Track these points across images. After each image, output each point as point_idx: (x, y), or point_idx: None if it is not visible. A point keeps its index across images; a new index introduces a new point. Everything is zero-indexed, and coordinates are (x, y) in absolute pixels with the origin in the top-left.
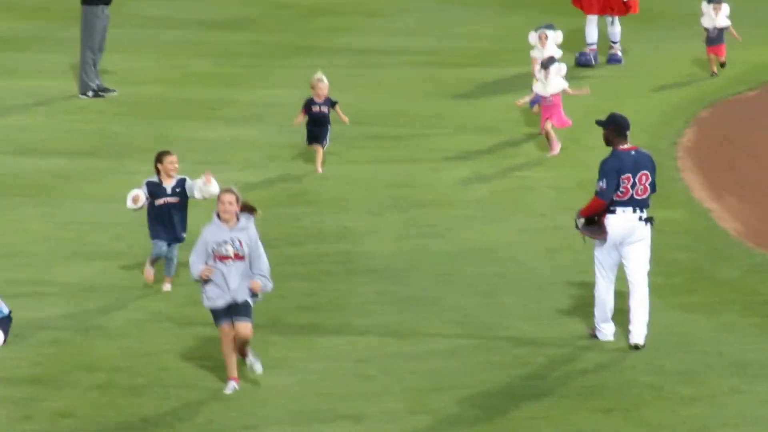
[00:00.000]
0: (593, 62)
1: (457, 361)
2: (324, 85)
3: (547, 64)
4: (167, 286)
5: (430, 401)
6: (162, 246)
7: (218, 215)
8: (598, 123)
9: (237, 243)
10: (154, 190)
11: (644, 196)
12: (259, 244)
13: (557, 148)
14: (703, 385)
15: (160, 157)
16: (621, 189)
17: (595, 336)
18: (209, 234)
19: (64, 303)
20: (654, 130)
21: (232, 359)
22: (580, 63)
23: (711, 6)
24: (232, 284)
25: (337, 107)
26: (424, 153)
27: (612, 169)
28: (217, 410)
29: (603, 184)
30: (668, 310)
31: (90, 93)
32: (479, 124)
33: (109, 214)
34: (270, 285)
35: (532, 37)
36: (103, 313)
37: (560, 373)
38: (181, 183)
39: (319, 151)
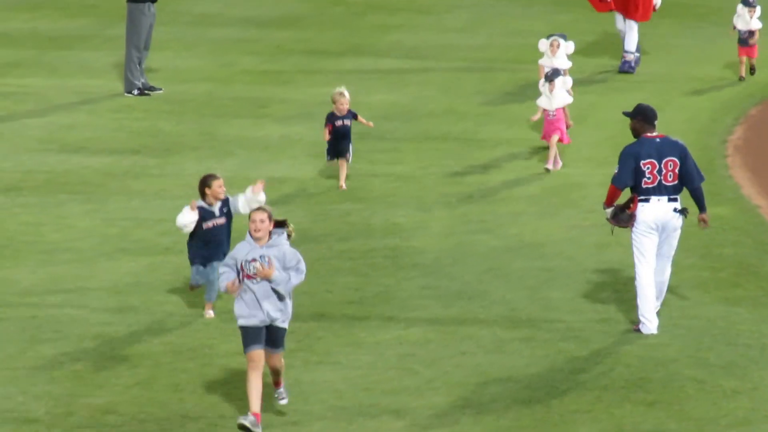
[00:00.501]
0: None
1: (501, 355)
2: (345, 100)
3: (551, 76)
4: (210, 313)
5: (474, 395)
6: (198, 275)
7: (250, 234)
8: (625, 114)
9: (266, 261)
10: (204, 214)
11: (674, 183)
12: (297, 257)
13: (559, 164)
14: (745, 378)
15: (207, 181)
16: (647, 175)
17: (638, 330)
18: (240, 251)
19: (108, 299)
20: (703, 127)
21: (258, 391)
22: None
23: (746, 9)
24: (264, 304)
25: (360, 117)
26: (473, 150)
27: (628, 155)
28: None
29: (617, 169)
30: (713, 303)
31: (135, 91)
32: (529, 121)
33: (154, 210)
34: (291, 283)
35: (543, 44)
36: (146, 309)
37: (604, 367)
38: (226, 203)
39: (344, 165)
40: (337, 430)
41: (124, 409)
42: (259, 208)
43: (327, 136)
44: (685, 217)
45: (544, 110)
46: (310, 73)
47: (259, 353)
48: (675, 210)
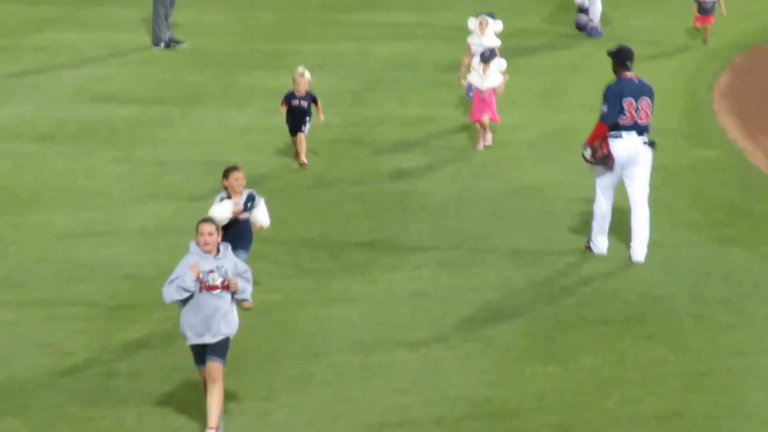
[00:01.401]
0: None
1: (507, 292)
2: (305, 80)
3: (488, 58)
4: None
5: (483, 330)
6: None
7: (198, 246)
8: (608, 53)
9: (224, 272)
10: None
11: (646, 122)
12: (245, 267)
13: (489, 140)
14: (740, 313)
15: (226, 173)
16: (625, 113)
17: (590, 248)
18: (193, 262)
19: (138, 241)
20: (691, 75)
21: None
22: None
23: None
24: (215, 321)
25: (319, 104)
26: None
27: (614, 94)
28: (281, 339)
29: (605, 107)
30: (706, 243)
31: (162, 45)
32: (528, 70)
33: (179, 157)
34: (250, 289)
35: (472, 22)
36: (173, 251)
37: (605, 302)
38: (252, 199)
39: (302, 140)
40: (355, 363)
41: (156, 343)
42: (206, 220)
43: (282, 111)
44: (653, 149)
45: (476, 89)
46: (324, 27)
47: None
48: (644, 143)
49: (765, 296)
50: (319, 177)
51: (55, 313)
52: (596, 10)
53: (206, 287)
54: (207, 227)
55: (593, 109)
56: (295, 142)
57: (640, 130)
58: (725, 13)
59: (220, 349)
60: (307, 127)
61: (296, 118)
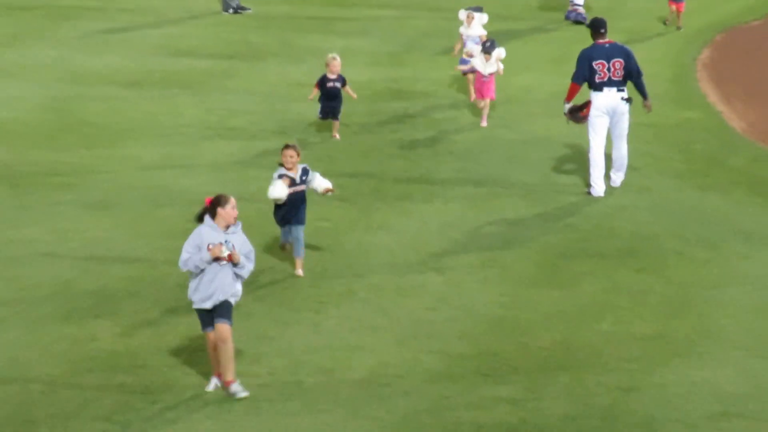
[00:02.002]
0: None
1: (521, 226)
2: (337, 63)
3: (489, 48)
4: (299, 271)
5: (499, 257)
6: (284, 235)
7: (212, 218)
8: (586, 25)
9: (231, 246)
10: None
11: (620, 78)
12: (250, 247)
13: (486, 121)
14: (716, 250)
15: (282, 150)
16: (599, 72)
17: (590, 192)
18: (207, 236)
19: (210, 173)
20: (679, 50)
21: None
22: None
23: None
24: (219, 288)
25: (348, 86)
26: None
27: (583, 57)
28: (330, 261)
29: (575, 69)
30: (688, 190)
31: (230, 10)
32: (540, 40)
33: (244, 103)
34: (250, 267)
35: (462, 14)
36: (238, 182)
37: (602, 238)
38: (306, 172)
39: (335, 123)
40: (391, 282)
41: None
42: (231, 197)
43: (313, 94)
44: (630, 103)
45: (478, 72)
46: None
47: (212, 333)
48: (622, 98)
49: (738, 236)
50: (363, 124)
51: (141, 231)
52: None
53: (215, 258)
54: (233, 202)
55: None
56: (334, 126)
57: (616, 84)
58: None
59: (225, 311)
60: (340, 114)
61: (331, 99)
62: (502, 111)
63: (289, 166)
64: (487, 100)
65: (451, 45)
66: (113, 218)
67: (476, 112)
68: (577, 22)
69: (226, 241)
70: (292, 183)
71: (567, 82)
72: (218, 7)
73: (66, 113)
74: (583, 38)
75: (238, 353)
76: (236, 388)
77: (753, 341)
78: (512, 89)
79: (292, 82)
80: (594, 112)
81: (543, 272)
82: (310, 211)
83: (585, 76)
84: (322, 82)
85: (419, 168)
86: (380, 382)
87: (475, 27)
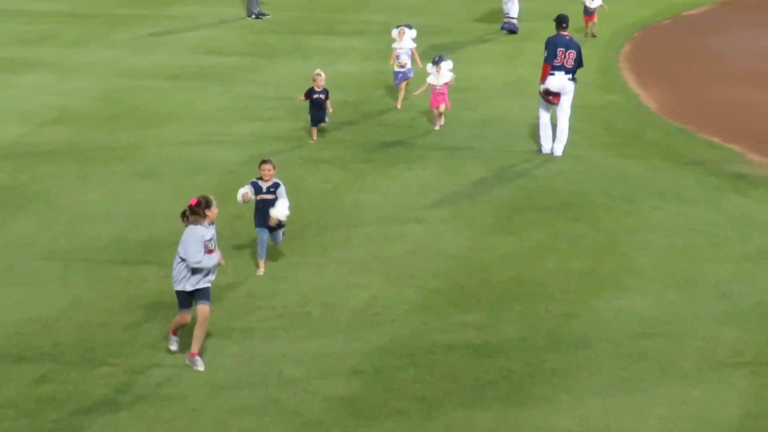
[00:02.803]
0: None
1: (482, 186)
2: (321, 78)
3: (438, 61)
4: (260, 271)
5: (465, 210)
6: (263, 233)
7: (202, 217)
8: (554, 19)
9: (216, 239)
10: (255, 188)
11: (571, 66)
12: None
13: (443, 120)
14: (636, 204)
15: (260, 165)
16: (557, 57)
17: (540, 151)
18: (202, 231)
19: (236, 148)
20: (605, 44)
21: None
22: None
23: None
24: (197, 276)
25: (329, 101)
26: (463, 55)
27: (550, 44)
28: (331, 215)
29: (545, 53)
30: (612, 158)
31: (252, 16)
32: (495, 39)
33: (264, 92)
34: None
35: (394, 32)
36: (258, 155)
37: (546, 194)
38: (276, 186)
39: (316, 130)
40: (380, 232)
41: (249, 216)
42: (213, 198)
43: (301, 98)
44: (576, 83)
45: (432, 85)
46: (363, 4)
47: (187, 314)
48: (569, 79)
49: (653, 193)
50: (356, 107)
51: (181, 194)
52: (515, 9)
53: (208, 251)
54: (216, 201)
55: (540, 65)
56: (313, 131)
57: (567, 71)
58: (606, 8)
59: (206, 294)
60: (326, 121)
61: (317, 108)
62: (465, 96)
63: (267, 178)
64: (442, 107)
65: (428, 43)
66: (158, 184)
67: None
68: (511, 32)
69: (213, 235)
70: (259, 191)
71: (518, 72)
72: (243, 13)
73: (119, 101)
74: (530, 35)
75: (257, 291)
76: (198, 361)
77: (666, 276)
78: (473, 79)
79: (301, 75)
80: (544, 89)
81: (499, 222)
82: (315, 176)
83: (552, 58)
84: (309, 94)
85: (402, 142)
86: (372, 312)
87: (406, 41)
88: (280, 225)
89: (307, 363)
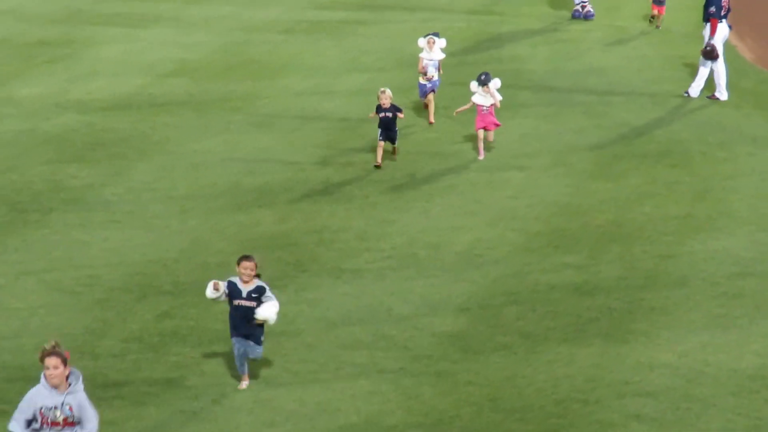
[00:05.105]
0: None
1: (582, 134)
2: (386, 96)
3: (485, 81)
4: (243, 384)
5: (565, 158)
6: (240, 345)
7: (45, 379)
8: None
9: (67, 409)
10: (232, 291)
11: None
12: (87, 406)
13: (491, 139)
14: (730, 151)
15: (238, 261)
16: (722, 8)
17: (687, 94)
18: (38, 397)
19: (349, 98)
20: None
21: None
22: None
23: None
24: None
25: (399, 114)
26: (566, 10)
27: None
28: (435, 162)
29: (712, 8)
30: (709, 106)
31: None
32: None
33: (371, 45)
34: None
35: (421, 41)
36: (367, 107)
37: (645, 143)
38: (260, 290)
39: (382, 148)
40: (484, 178)
41: (357, 160)
42: (52, 353)
43: (372, 115)
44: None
45: (478, 105)
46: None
47: None
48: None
49: (746, 140)
50: (463, 60)
51: (294, 142)
52: None
53: (51, 423)
54: (52, 361)
55: (638, 16)
56: (378, 148)
57: (726, 18)
58: None
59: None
60: (396, 140)
61: (385, 127)
62: (567, 47)
63: (246, 280)
64: (491, 132)
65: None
66: (272, 133)
67: (552, 49)
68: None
69: (62, 404)
70: (237, 295)
71: (617, 25)
72: None
73: (236, 54)
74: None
75: (366, 234)
76: None
77: (759, 218)
78: (574, 31)
79: (407, 29)
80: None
81: (599, 169)
82: (422, 124)
83: (720, 9)
84: (377, 112)
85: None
86: (475, 253)
87: (436, 51)
88: (261, 326)
89: (414, 301)
